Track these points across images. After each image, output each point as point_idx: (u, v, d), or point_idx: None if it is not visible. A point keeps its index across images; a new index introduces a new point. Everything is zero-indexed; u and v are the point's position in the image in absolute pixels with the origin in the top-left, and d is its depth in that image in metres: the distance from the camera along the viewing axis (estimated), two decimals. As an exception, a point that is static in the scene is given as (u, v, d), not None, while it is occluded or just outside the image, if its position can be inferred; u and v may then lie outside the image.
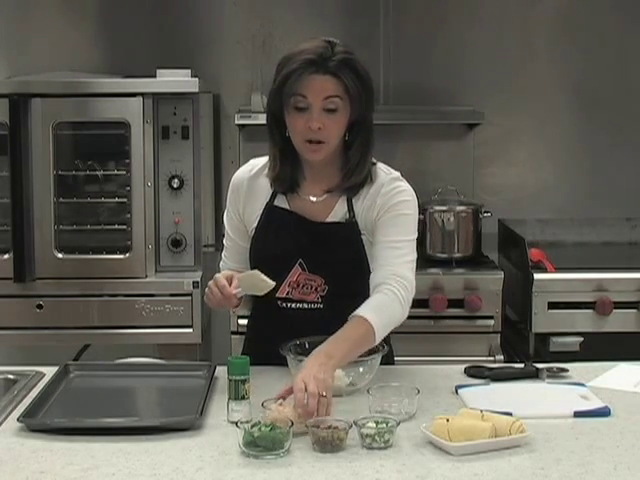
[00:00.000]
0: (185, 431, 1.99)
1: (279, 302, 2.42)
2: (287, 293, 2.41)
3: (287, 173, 2.41)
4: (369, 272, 2.37)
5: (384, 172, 2.43)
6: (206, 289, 2.35)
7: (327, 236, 2.39)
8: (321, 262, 2.38)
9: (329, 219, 2.40)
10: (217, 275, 2.34)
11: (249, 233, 2.47)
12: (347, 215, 2.39)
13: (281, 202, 2.44)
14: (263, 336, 2.47)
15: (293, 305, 2.41)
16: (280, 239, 2.41)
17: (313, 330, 2.28)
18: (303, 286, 2.40)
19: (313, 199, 2.42)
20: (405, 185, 2.42)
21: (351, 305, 2.26)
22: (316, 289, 2.40)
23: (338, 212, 2.40)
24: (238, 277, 2.32)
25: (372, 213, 2.38)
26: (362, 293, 2.34)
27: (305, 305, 2.41)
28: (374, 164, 2.43)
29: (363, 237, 2.39)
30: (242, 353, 2.56)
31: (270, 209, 2.43)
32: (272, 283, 2.28)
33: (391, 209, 2.36)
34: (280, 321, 2.41)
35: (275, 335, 2.34)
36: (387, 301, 2.28)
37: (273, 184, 2.43)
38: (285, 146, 2.39)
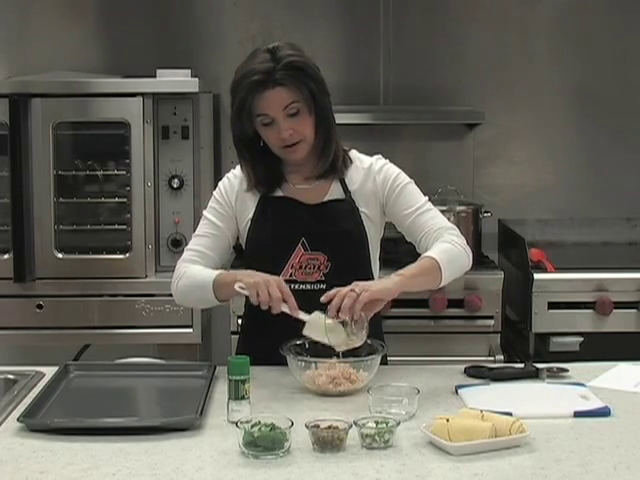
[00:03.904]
0: (185, 431, 1.99)
1: None
2: (290, 275, 2.45)
3: (264, 176, 2.49)
4: (369, 248, 2.49)
5: (364, 155, 2.57)
6: (259, 280, 2.28)
7: (327, 212, 2.48)
8: (323, 238, 2.45)
9: (326, 199, 2.50)
10: (281, 280, 2.31)
11: (241, 227, 2.52)
12: (343, 194, 2.49)
13: (274, 193, 2.51)
14: (265, 319, 2.40)
15: (296, 286, 2.43)
16: (280, 223, 2.48)
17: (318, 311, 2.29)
18: (306, 267, 2.45)
19: (305, 187, 2.50)
20: (388, 161, 2.56)
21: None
22: (319, 267, 2.45)
23: (334, 192, 2.50)
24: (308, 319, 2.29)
25: (372, 188, 2.49)
26: (364, 271, 2.45)
27: (308, 286, 2.44)
28: (350, 149, 2.56)
29: (361, 212, 2.48)
30: (239, 342, 2.57)
31: (265, 199, 2.50)
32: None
33: (395, 183, 2.50)
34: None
35: (278, 317, 2.33)
36: (449, 245, 2.43)
37: (257, 190, 2.50)
38: (256, 158, 2.48)
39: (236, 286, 2.32)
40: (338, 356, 2.29)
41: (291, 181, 2.52)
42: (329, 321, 2.25)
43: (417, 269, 2.37)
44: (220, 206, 2.53)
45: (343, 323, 2.24)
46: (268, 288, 2.26)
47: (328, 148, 2.47)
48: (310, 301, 2.35)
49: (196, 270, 2.47)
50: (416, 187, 2.55)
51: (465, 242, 2.48)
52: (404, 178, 2.53)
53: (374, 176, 2.51)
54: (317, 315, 2.28)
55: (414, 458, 1.86)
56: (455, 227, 2.51)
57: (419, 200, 2.52)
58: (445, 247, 2.42)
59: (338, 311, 2.23)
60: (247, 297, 2.38)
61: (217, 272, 2.43)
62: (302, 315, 2.28)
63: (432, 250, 2.41)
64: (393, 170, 2.53)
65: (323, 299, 2.27)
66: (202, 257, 2.51)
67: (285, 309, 2.27)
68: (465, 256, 2.47)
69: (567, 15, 4.30)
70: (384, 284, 2.31)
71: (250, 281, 2.29)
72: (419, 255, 2.47)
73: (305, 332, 2.29)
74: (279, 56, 2.36)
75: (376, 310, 2.30)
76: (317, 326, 2.27)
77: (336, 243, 2.45)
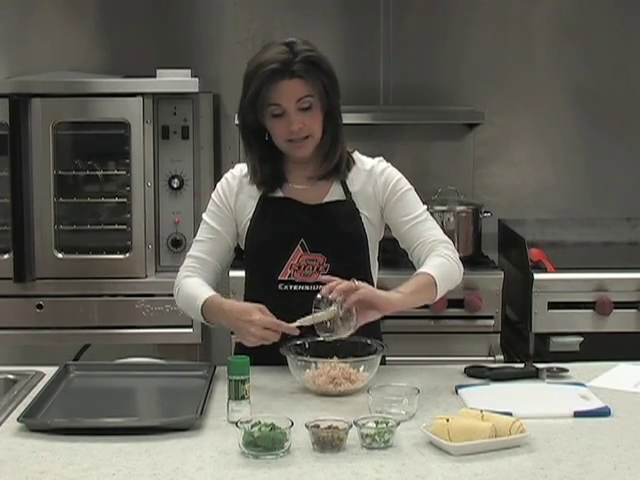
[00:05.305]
0: (185, 431, 1.99)
1: (280, 285, 2.44)
2: (289, 275, 2.44)
3: (270, 174, 2.49)
4: (368, 250, 2.49)
5: (366, 157, 2.57)
6: (247, 338, 2.26)
7: (327, 213, 2.47)
8: (322, 239, 2.44)
9: (326, 200, 2.49)
10: (257, 316, 2.27)
11: (240, 227, 2.51)
12: (344, 195, 2.49)
13: (274, 193, 2.51)
14: None
15: (295, 287, 2.43)
16: (279, 223, 2.47)
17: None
18: (305, 267, 2.44)
19: (305, 187, 2.49)
20: (390, 165, 2.55)
21: None
22: (317, 269, 2.44)
23: (334, 193, 2.49)
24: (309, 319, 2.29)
25: (373, 190, 2.49)
26: (362, 272, 2.44)
27: (307, 287, 2.43)
28: (353, 150, 2.55)
29: (361, 214, 2.48)
30: (237, 343, 2.57)
31: (265, 199, 2.49)
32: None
33: (395, 188, 2.50)
34: (281, 304, 2.36)
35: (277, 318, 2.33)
36: (443, 260, 2.43)
37: (259, 188, 2.50)
38: (263, 152, 2.48)
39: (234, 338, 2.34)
40: (338, 356, 2.29)
41: (292, 181, 2.51)
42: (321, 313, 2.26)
43: (415, 286, 2.37)
44: (218, 209, 2.53)
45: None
46: (261, 336, 2.24)
47: (334, 149, 2.47)
48: (308, 302, 2.36)
49: (190, 287, 2.46)
50: (416, 195, 2.54)
51: (458, 257, 2.49)
52: (405, 183, 2.53)
53: (375, 179, 2.50)
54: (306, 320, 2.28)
55: (414, 458, 1.86)
56: (450, 241, 2.50)
57: (418, 209, 2.51)
58: (440, 262, 2.42)
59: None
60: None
61: (205, 297, 2.40)
62: (298, 323, 2.28)
63: (428, 265, 2.41)
64: (395, 174, 2.53)
65: (323, 278, 2.28)
66: (202, 263, 2.51)
67: (279, 333, 2.27)
68: (458, 271, 2.48)
69: (567, 15, 4.30)
70: (386, 295, 2.30)
71: (242, 341, 2.28)
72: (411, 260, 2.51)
73: (317, 330, 2.27)
74: (297, 50, 2.37)
75: (369, 319, 2.27)
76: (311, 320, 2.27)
77: (335, 244, 2.45)
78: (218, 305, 2.38)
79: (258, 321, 2.26)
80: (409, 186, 2.53)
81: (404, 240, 2.52)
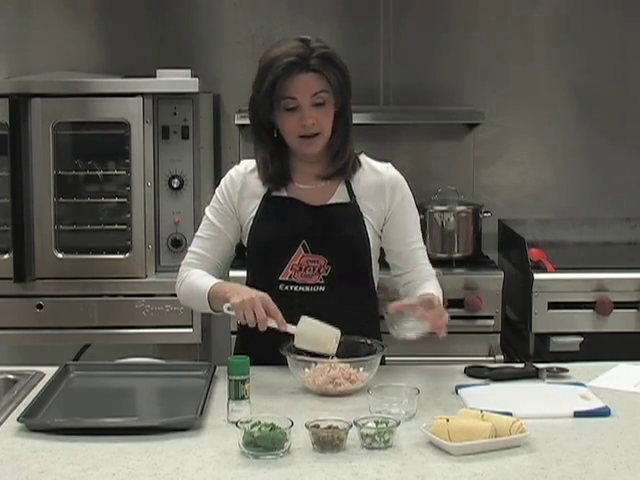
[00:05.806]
0: (185, 431, 1.99)
1: (281, 285, 2.44)
2: (290, 276, 2.44)
3: (279, 171, 2.47)
4: (370, 253, 2.48)
5: (374, 160, 2.56)
6: (244, 300, 2.27)
7: (330, 215, 2.46)
8: (324, 241, 2.43)
9: (330, 202, 2.48)
10: (265, 296, 2.29)
11: (243, 225, 2.50)
12: (349, 198, 2.47)
13: (279, 192, 2.50)
14: None
15: (295, 288, 2.43)
16: (282, 223, 2.46)
17: (315, 314, 2.29)
18: (306, 268, 2.44)
19: (310, 187, 2.48)
20: (399, 174, 2.54)
21: (352, 288, 2.28)
22: (319, 270, 2.43)
23: (339, 195, 2.48)
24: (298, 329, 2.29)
25: (379, 197, 2.47)
26: (364, 275, 2.45)
27: (307, 288, 2.43)
28: (360, 152, 2.54)
29: (365, 218, 2.46)
30: (237, 341, 2.57)
31: (269, 198, 2.48)
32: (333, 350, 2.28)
33: (402, 203, 2.50)
34: (281, 304, 2.33)
35: None
36: (439, 290, 2.48)
37: (266, 184, 2.48)
38: (274, 146, 2.46)
39: (224, 308, 2.33)
40: (338, 356, 2.29)
41: (297, 180, 2.50)
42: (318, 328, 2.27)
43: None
44: (221, 206, 2.52)
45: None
46: (253, 308, 2.25)
47: (344, 149, 2.46)
48: (308, 303, 2.35)
49: (195, 277, 2.47)
50: (418, 214, 2.57)
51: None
52: (411, 200, 2.53)
53: (384, 185, 2.49)
54: (304, 323, 2.28)
55: (414, 458, 1.86)
56: (435, 272, 2.57)
57: (418, 232, 2.54)
58: (437, 286, 2.49)
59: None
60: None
61: (211, 284, 2.41)
62: (290, 328, 2.28)
63: (434, 289, 2.45)
64: (403, 184, 2.52)
65: (425, 298, 2.29)
66: (202, 260, 2.51)
67: (272, 324, 2.27)
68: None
69: (567, 15, 4.30)
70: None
71: (236, 302, 2.27)
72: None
73: (296, 344, 2.28)
74: (312, 46, 2.37)
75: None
76: (306, 337, 2.27)
77: (337, 247, 2.44)
78: (225, 284, 2.42)
79: (267, 299, 2.27)
80: (413, 204, 2.54)
81: (399, 259, 2.53)
